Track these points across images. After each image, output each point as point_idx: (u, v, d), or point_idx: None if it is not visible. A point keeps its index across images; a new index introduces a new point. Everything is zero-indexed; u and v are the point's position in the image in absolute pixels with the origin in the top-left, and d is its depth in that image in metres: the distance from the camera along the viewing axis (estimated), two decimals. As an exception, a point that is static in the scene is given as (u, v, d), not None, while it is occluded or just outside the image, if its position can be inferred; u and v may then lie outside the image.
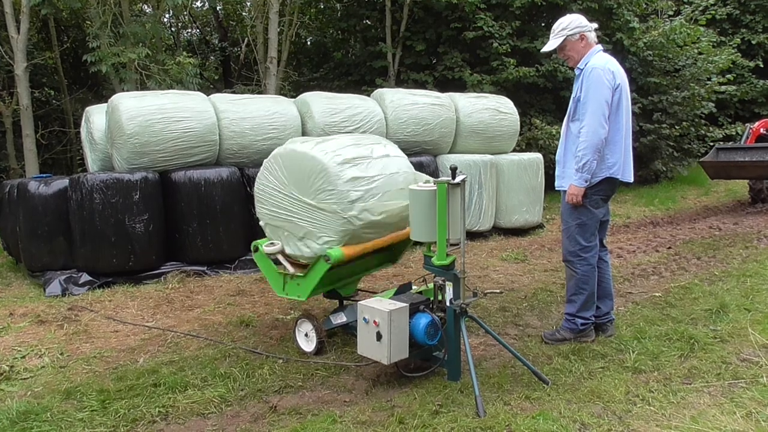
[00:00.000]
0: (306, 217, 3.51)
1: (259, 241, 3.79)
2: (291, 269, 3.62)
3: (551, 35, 3.80)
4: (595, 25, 3.82)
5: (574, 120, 3.72)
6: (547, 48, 3.85)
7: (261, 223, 3.80)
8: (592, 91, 3.59)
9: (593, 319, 3.81)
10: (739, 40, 14.76)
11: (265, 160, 3.73)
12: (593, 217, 3.75)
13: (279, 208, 3.62)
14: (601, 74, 3.58)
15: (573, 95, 3.76)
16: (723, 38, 14.81)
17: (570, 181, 3.72)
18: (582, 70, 3.69)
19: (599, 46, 3.77)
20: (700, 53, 12.45)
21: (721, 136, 13.05)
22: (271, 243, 3.67)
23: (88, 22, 10.57)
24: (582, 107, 3.64)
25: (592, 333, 3.80)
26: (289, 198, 3.56)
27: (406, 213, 3.50)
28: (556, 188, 3.95)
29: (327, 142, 3.60)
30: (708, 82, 12.41)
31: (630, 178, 3.83)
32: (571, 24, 3.72)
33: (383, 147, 3.82)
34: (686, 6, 13.70)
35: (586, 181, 3.64)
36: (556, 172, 3.92)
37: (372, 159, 3.60)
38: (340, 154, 3.47)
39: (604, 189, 3.75)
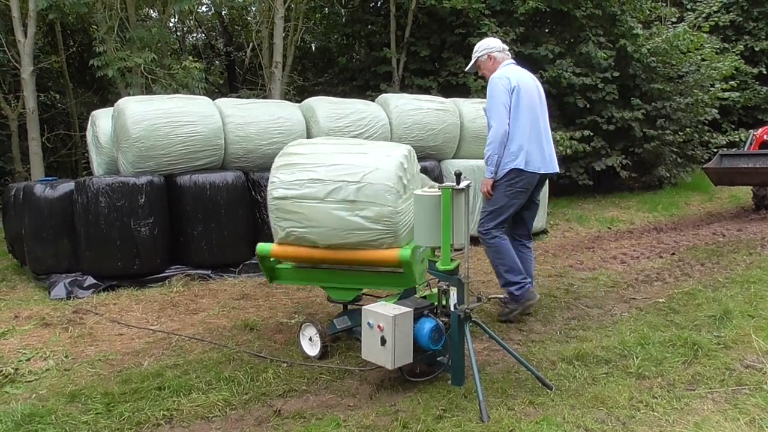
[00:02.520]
0: None
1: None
2: None
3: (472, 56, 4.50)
4: (505, 46, 4.51)
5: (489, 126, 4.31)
6: (467, 69, 4.65)
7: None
8: (491, 98, 4.24)
9: (526, 280, 4.26)
10: (742, 46, 14.77)
11: None
12: (506, 206, 4.26)
13: None
14: (497, 82, 4.22)
15: (484, 106, 4.42)
16: (726, 45, 14.81)
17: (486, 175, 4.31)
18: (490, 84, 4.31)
19: (510, 61, 4.46)
20: (703, 60, 12.45)
21: (724, 142, 13.05)
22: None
23: (95, 27, 10.62)
24: (487, 112, 4.30)
25: (532, 294, 4.26)
26: None
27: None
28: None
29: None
30: (711, 89, 12.41)
31: (544, 169, 4.30)
32: (481, 47, 4.45)
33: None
34: (689, 13, 13.72)
35: (492, 173, 4.22)
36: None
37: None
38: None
39: (515, 180, 4.21)
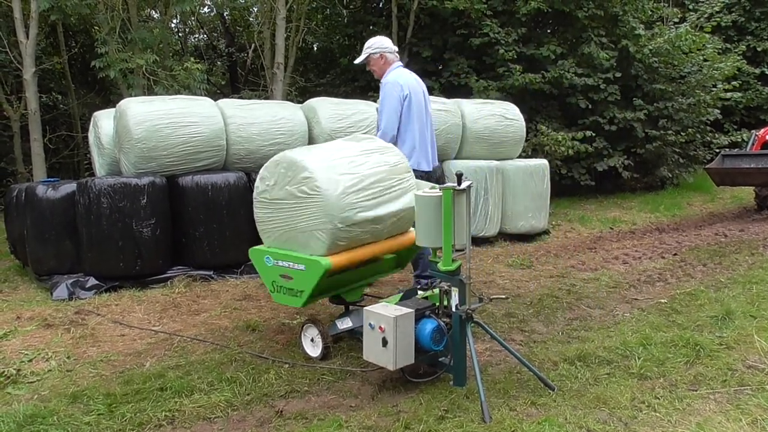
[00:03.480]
0: None
1: None
2: None
3: (363, 50, 4.63)
4: (395, 48, 4.65)
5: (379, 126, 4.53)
6: (357, 61, 4.72)
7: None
8: (384, 101, 4.42)
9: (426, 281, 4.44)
10: (744, 47, 14.77)
11: None
12: None
13: None
14: (390, 87, 4.41)
15: (378, 106, 4.60)
16: (728, 45, 14.80)
17: None
18: (382, 84, 4.50)
19: (399, 63, 4.63)
20: (705, 60, 12.45)
21: (726, 142, 13.04)
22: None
23: (97, 28, 10.64)
24: (379, 114, 4.48)
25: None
26: None
27: None
28: None
29: None
30: (713, 89, 12.40)
31: (426, 167, 4.61)
32: (374, 45, 4.58)
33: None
34: (691, 13, 13.71)
35: None
36: None
37: None
38: None
39: None
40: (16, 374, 3.48)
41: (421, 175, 4.45)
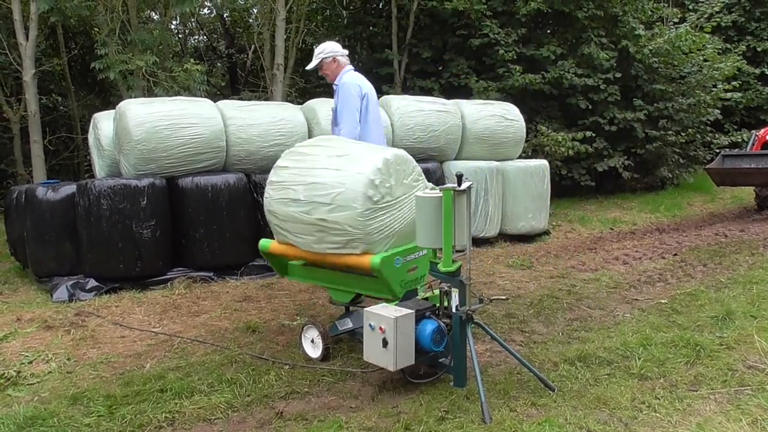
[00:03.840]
0: None
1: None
2: None
3: (314, 56, 4.74)
4: (346, 52, 4.75)
5: (337, 125, 4.59)
6: (309, 67, 4.82)
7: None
8: (345, 101, 4.50)
9: None
10: (744, 47, 14.76)
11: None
12: None
13: None
14: (350, 87, 4.51)
15: (333, 106, 4.67)
16: (728, 45, 14.79)
17: None
18: (338, 85, 4.60)
19: (350, 67, 4.71)
20: (705, 60, 12.44)
21: (726, 143, 13.03)
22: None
23: (96, 29, 10.65)
24: (339, 114, 4.54)
25: None
26: None
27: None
28: None
29: None
30: (713, 89, 12.39)
31: None
32: (326, 49, 4.69)
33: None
34: (691, 13, 13.71)
35: None
36: None
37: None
38: None
39: None
40: (16, 376, 3.48)
41: None
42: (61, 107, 12.68)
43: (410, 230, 3.50)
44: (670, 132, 11.88)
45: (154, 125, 5.51)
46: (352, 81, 4.59)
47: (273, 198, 3.75)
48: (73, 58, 12.66)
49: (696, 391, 3.12)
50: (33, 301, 5.15)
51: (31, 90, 8.52)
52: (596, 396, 3.04)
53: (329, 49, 4.71)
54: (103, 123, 6.18)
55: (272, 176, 3.82)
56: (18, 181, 10.50)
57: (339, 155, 3.63)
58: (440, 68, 11.75)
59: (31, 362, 3.70)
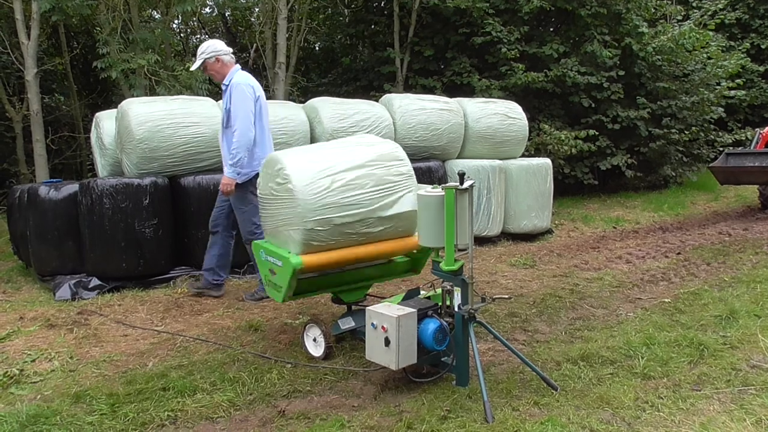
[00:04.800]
0: None
1: None
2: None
3: (197, 56, 4.71)
4: (230, 50, 4.70)
5: (228, 126, 4.59)
6: (192, 68, 4.80)
7: None
8: (239, 103, 4.49)
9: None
10: (748, 44, 14.69)
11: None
12: (256, 204, 4.39)
13: None
14: (244, 89, 4.51)
15: (224, 106, 4.63)
16: (732, 43, 14.74)
17: (240, 177, 4.60)
18: (228, 85, 4.58)
19: (238, 66, 4.73)
20: (709, 58, 12.40)
21: (730, 141, 12.98)
22: None
23: (98, 29, 10.64)
24: (233, 115, 4.52)
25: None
26: None
27: None
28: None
29: None
30: (717, 87, 12.35)
31: None
32: (208, 49, 4.64)
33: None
34: (695, 11, 13.67)
35: (238, 174, 4.55)
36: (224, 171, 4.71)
37: None
38: None
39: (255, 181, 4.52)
40: (19, 374, 3.48)
41: None
42: (64, 106, 12.69)
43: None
44: (673, 130, 11.85)
45: (156, 124, 5.52)
46: (245, 82, 4.57)
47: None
48: (75, 58, 12.67)
49: (699, 390, 3.10)
50: (36, 299, 5.15)
51: (33, 89, 8.53)
52: (599, 395, 3.04)
53: (211, 49, 4.66)
54: (105, 122, 6.18)
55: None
56: (21, 180, 10.52)
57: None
58: (442, 66, 11.73)
59: (34, 361, 3.71)
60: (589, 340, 3.88)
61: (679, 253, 6.65)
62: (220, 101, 6.35)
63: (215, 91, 13.19)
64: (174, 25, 14.03)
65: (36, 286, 5.60)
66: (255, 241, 3.80)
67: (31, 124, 8.85)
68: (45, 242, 5.40)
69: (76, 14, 9.23)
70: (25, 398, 3.20)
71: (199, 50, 4.72)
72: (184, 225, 5.62)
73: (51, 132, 10.71)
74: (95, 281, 5.25)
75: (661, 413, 2.86)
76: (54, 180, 6.59)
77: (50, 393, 3.25)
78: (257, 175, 4.42)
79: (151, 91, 8.91)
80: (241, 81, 4.57)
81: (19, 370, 3.52)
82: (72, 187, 5.48)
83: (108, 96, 12.46)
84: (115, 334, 4.22)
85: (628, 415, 2.85)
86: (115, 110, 6.01)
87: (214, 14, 15.74)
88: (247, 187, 4.66)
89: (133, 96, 8.19)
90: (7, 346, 3.95)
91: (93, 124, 6.50)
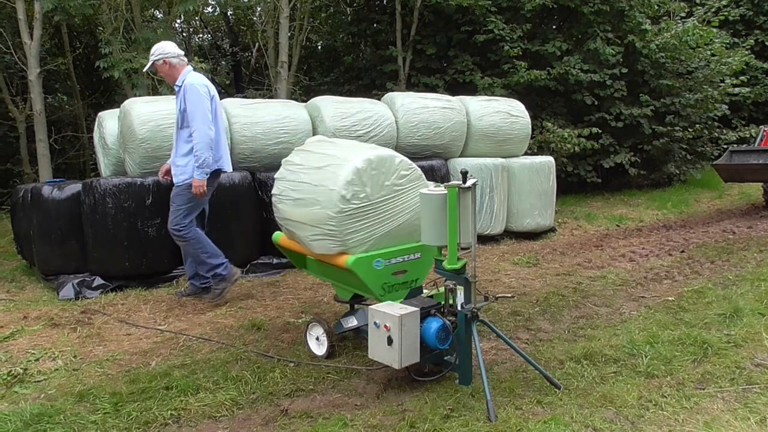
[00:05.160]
0: None
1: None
2: None
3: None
4: (181, 53, 4.70)
5: (183, 128, 4.61)
6: (144, 69, 4.94)
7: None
8: (195, 102, 4.49)
9: (225, 260, 4.79)
10: (752, 41, 14.62)
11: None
12: (200, 203, 4.75)
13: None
14: (198, 88, 4.51)
15: (178, 107, 4.63)
16: (736, 40, 14.66)
17: (186, 176, 4.62)
18: (180, 86, 4.58)
19: (190, 67, 4.72)
20: (713, 55, 12.34)
21: (734, 138, 12.93)
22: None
23: (101, 28, 10.65)
24: (190, 116, 4.51)
25: (235, 270, 4.85)
26: None
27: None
28: (176, 184, 4.73)
29: None
30: (721, 84, 12.29)
31: (230, 168, 4.93)
32: (156, 52, 4.67)
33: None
34: (699, 7, 13.60)
35: (207, 175, 4.58)
36: (173, 171, 4.75)
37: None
38: None
39: (212, 180, 4.73)
40: (23, 373, 3.49)
41: (221, 176, 4.86)
42: (66, 106, 12.71)
43: (401, 232, 3.55)
44: (677, 128, 11.80)
45: (158, 124, 5.52)
46: (199, 82, 4.58)
47: (277, 196, 3.84)
48: (78, 57, 12.68)
49: (703, 389, 3.10)
50: (39, 299, 5.17)
51: (36, 89, 8.54)
52: (602, 394, 3.03)
53: (159, 52, 4.67)
54: (108, 122, 6.18)
55: (280, 172, 3.89)
56: (24, 180, 10.54)
57: (328, 157, 3.66)
58: (445, 65, 11.71)
59: (37, 360, 3.72)
60: (593, 339, 3.87)
61: (682, 251, 6.63)
62: (223, 100, 6.39)
63: (218, 90, 13.19)
64: (176, 25, 14.02)
65: (39, 286, 5.61)
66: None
67: (35, 124, 8.86)
68: (48, 242, 5.41)
69: (79, 14, 9.22)
70: (29, 397, 3.21)
71: (151, 51, 4.74)
72: (187, 224, 5.61)
73: (54, 132, 10.71)
74: (98, 280, 5.26)
75: (665, 412, 2.86)
76: (57, 179, 6.59)
77: (54, 392, 3.26)
78: (212, 174, 4.66)
79: (154, 91, 8.92)
80: (194, 81, 4.56)
81: (22, 369, 3.53)
82: (75, 187, 5.48)
83: (111, 96, 12.47)
84: (119, 333, 4.23)
85: (631, 414, 2.84)
86: (117, 110, 6.01)
87: (216, 13, 15.75)
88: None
89: (135, 95, 8.20)
90: (11, 345, 3.96)
91: (96, 123, 6.50)
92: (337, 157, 3.59)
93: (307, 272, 4.17)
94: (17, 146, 10.99)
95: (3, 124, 10.98)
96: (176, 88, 4.66)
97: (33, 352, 3.83)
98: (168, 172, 4.92)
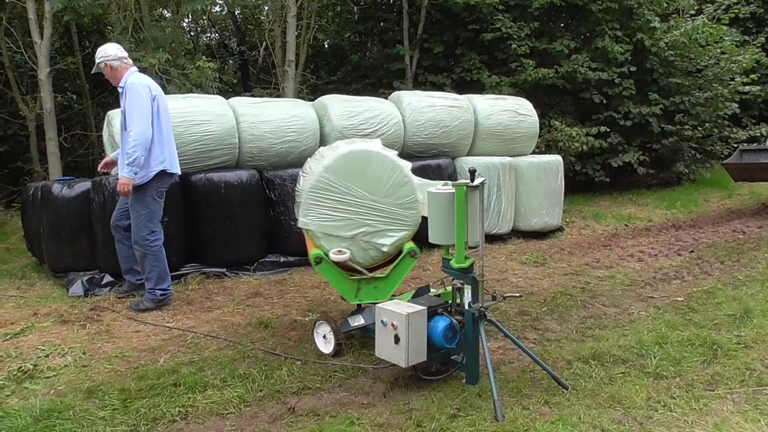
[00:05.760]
0: (379, 215, 3.59)
1: (317, 251, 3.59)
2: (368, 273, 3.65)
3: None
4: (123, 55, 4.68)
5: (127, 129, 4.55)
6: (93, 71, 4.82)
7: (309, 230, 3.62)
8: (134, 102, 4.48)
9: (170, 289, 4.78)
10: (763, 39, 14.48)
11: (314, 166, 3.63)
12: (158, 207, 4.69)
13: (342, 212, 3.58)
14: (139, 88, 4.51)
15: (122, 109, 4.62)
16: (747, 37, 14.54)
17: (136, 179, 4.54)
18: (123, 87, 4.57)
19: (134, 68, 4.73)
20: (723, 53, 12.24)
21: (744, 137, 12.83)
22: (339, 251, 3.56)
23: (110, 28, 10.71)
24: (128, 115, 4.50)
25: (170, 301, 4.76)
26: (356, 200, 3.57)
27: None
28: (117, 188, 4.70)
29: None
30: (731, 83, 12.20)
31: (178, 170, 4.85)
32: (98, 55, 4.68)
33: None
34: (708, 5, 13.50)
35: (135, 174, 4.47)
36: (120, 175, 4.64)
37: None
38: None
39: (162, 183, 4.68)
40: (32, 369, 3.52)
41: (171, 178, 4.78)
42: (76, 105, 12.77)
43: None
44: (686, 126, 11.73)
45: (167, 122, 5.53)
46: (140, 82, 4.56)
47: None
48: (87, 57, 12.68)
49: (713, 390, 3.08)
50: (49, 295, 5.20)
51: (46, 88, 8.59)
52: (610, 395, 3.02)
53: (101, 55, 4.68)
54: (117, 120, 6.19)
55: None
56: (34, 178, 10.60)
57: None
58: (452, 63, 11.68)
59: (47, 356, 3.74)
60: (601, 339, 3.85)
61: (692, 251, 6.59)
62: (231, 99, 6.41)
63: (226, 89, 13.25)
64: (184, 24, 14.08)
65: (49, 283, 5.65)
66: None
67: (45, 123, 8.91)
68: (58, 239, 5.44)
69: (88, 14, 9.26)
70: (39, 393, 3.23)
71: (96, 54, 4.75)
72: (195, 222, 5.64)
73: (64, 130, 10.78)
74: (108, 278, 5.29)
75: (674, 413, 2.84)
76: (67, 178, 6.63)
77: (63, 388, 3.28)
78: (157, 176, 4.60)
79: (162, 90, 8.94)
80: (135, 81, 4.56)
81: (32, 365, 3.56)
82: (85, 185, 5.52)
83: (119, 95, 12.50)
84: (127, 330, 4.25)
85: (639, 415, 2.82)
86: (126, 108, 6.03)
87: (224, 12, 15.79)
88: (146, 190, 4.59)
89: (144, 94, 8.20)
90: (21, 342, 3.99)
91: (105, 122, 6.52)
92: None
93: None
94: (27, 144, 11.05)
95: (13, 122, 11.04)
96: (120, 90, 4.64)
97: (43, 348, 3.86)
98: (108, 165, 5.08)
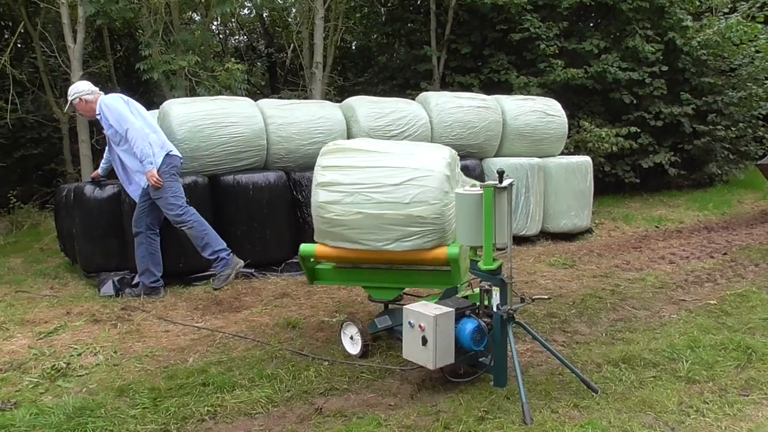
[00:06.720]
0: None
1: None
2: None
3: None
4: (95, 89, 5.14)
5: (119, 145, 5.03)
6: (66, 110, 5.27)
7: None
8: (116, 112, 4.91)
9: (228, 249, 4.97)
10: (799, 37, 14.10)
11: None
12: (177, 184, 5.00)
13: None
14: (111, 101, 4.96)
15: (106, 130, 5.07)
16: (782, 35, 14.17)
17: (141, 182, 4.98)
18: (100, 112, 4.99)
19: (101, 94, 5.13)
20: (757, 51, 11.94)
21: (780, 138, 12.52)
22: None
23: (140, 32, 10.92)
24: (117, 123, 4.91)
25: (237, 260, 4.95)
26: None
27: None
28: (133, 197, 5.15)
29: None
30: (766, 82, 11.90)
31: (179, 153, 5.15)
32: (71, 92, 5.11)
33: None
34: (743, 2, 13.18)
35: (151, 164, 4.82)
36: (127, 189, 5.22)
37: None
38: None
39: (170, 162, 4.97)
40: (66, 368, 3.59)
41: (175, 157, 5.04)
42: (108, 107, 13.02)
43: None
44: (719, 127, 11.47)
45: (196, 124, 5.62)
46: (110, 97, 5.00)
47: (329, 200, 3.51)
48: (119, 60, 12.99)
49: (747, 395, 3.00)
50: (81, 295, 5.31)
51: (79, 91, 8.77)
52: (641, 399, 2.96)
53: (74, 92, 5.09)
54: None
55: (322, 178, 3.55)
56: (67, 179, 10.84)
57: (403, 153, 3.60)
58: (480, 64, 11.62)
59: (80, 354, 3.82)
60: (631, 342, 3.79)
61: (725, 254, 6.44)
62: (259, 101, 6.47)
63: (254, 91, 13.39)
64: (213, 27, 14.26)
65: (82, 283, 5.77)
66: (459, 248, 3.44)
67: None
68: (90, 240, 5.55)
69: (120, 18, 9.46)
70: (72, 391, 3.29)
71: (68, 92, 5.20)
72: (224, 223, 5.69)
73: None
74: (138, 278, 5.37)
75: (707, 418, 2.78)
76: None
77: (95, 386, 3.34)
78: (165, 159, 4.92)
79: (192, 92, 9.08)
80: (105, 99, 4.99)
81: (65, 364, 3.63)
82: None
83: (150, 97, 12.71)
84: (157, 329, 4.32)
85: (671, 420, 2.77)
86: (157, 111, 6.14)
87: (252, 15, 15.95)
88: (160, 174, 4.88)
89: (174, 97, 8.35)
90: (54, 340, 4.08)
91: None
92: (413, 154, 3.56)
93: (317, 283, 4.00)
94: (60, 147, 11.31)
95: (47, 125, 11.31)
96: (99, 117, 5.04)
97: (75, 347, 3.94)
98: (95, 178, 5.58)
